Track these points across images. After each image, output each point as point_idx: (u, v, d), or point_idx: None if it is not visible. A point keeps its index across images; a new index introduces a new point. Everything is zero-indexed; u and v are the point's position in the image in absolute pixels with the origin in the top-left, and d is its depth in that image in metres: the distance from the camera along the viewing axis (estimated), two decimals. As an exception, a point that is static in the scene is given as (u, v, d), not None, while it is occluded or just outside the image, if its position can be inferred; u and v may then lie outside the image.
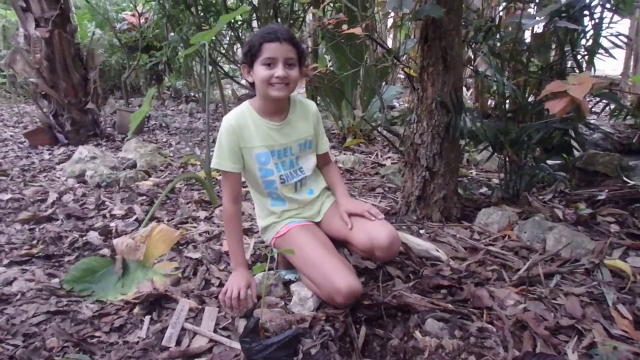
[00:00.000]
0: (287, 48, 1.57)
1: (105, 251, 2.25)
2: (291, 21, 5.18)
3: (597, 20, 2.39)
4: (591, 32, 2.41)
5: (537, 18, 2.38)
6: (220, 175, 3.56)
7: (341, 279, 1.53)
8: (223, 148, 1.69)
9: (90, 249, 2.32)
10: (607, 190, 2.75)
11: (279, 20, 5.07)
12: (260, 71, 1.60)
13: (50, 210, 2.80)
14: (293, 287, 1.78)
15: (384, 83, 5.23)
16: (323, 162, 1.94)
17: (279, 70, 1.57)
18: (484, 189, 3.06)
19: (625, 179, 2.87)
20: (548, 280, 1.86)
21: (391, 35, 7.73)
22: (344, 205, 1.79)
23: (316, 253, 1.64)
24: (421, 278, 1.89)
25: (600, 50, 2.45)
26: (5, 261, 2.14)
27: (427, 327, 1.57)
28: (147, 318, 1.68)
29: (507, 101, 2.69)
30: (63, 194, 3.15)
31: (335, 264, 1.59)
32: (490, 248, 2.16)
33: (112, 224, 2.57)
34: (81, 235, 2.46)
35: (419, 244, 2.10)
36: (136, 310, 1.73)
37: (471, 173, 3.53)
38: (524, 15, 2.36)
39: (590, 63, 2.52)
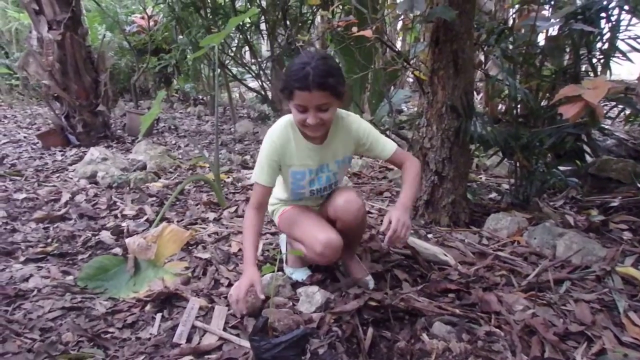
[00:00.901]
0: (318, 96, 1.50)
1: (117, 250, 2.29)
2: (299, 24, 5.19)
3: (614, 23, 2.35)
4: (608, 35, 2.37)
5: (552, 20, 2.34)
6: (228, 177, 3.60)
7: (322, 232, 1.68)
8: (263, 163, 1.70)
9: (102, 247, 2.36)
10: (620, 197, 2.71)
11: (288, 22, 5.06)
12: (294, 112, 1.59)
13: (63, 210, 2.85)
14: (300, 288, 1.80)
15: (392, 87, 5.22)
16: (398, 162, 1.80)
17: (310, 118, 1.55)
18: (493, 194, 3.04)
19: (639, 185, 2.84)
20: (558, 287, 1.85)
21: (400, 39, 7.73)
22: (393, 212, 1.63)
23: (306, 220, 1.78)
24: (429, 282, 1.89)
25: (618, 54, 2.40)
26: (22, 258, 2.20)
27: (434, 330, 1.57)
28: (158, 315, 1.72)
29: (519, 106, 2.67)
30: (76, 194, 3.20)
31: (321, 226, 1.73)
32: (499, 253, 2.15)
33: (124, 224, 2.61)
34: (94, 234, 2.50)
35: (427, 248, 2.10)
36: (148, 307, 1.77)
37: (480, 178, 3.51)
38: (538, 17, 2.33)
39: (606, 66, 2.48)
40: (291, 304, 1.75)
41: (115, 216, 2.80)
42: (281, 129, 1.71)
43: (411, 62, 2.92)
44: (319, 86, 1.48)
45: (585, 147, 2.80)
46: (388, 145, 1.78)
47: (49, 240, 2.43)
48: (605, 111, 2.25)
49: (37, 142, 4.98)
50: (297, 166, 1.73)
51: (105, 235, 2.47)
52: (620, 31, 2.40)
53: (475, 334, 1.55)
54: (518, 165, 2.61)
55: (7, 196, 3.09)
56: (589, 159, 3.04)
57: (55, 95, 4.88)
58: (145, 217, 2.74)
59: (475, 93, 6.78)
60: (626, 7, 2.36)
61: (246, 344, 1.51)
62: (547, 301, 1.74)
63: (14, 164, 4.08)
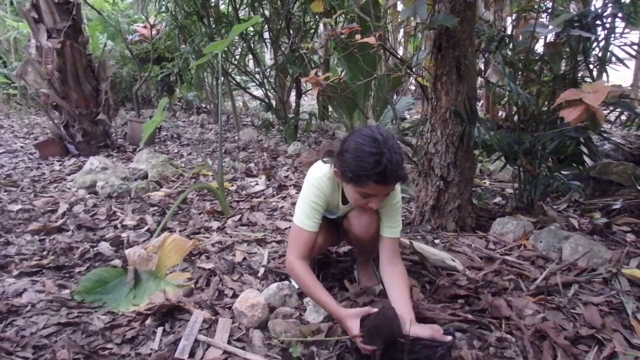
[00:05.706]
0: (392, 187, 1.49)
1: (117, 262, 2.22)
2: (303, 32, 5.19)
3: (607, 30, 2.39)
4: (603, 42, 2.41)
5: (551, 27, 2.38)
6: (232, 185, 3.57)
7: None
8: (309, 209, 1.66)
9: (101, 259, 2.28)
10: (621, 200, 2.73)
11: (291, 31, 5.05)
12: (353, 195, 1.53)
13: (60, 221, 2.77)
14: (307, 297, 1.76)
15: (395, 94, 5.24)
16: (388, 254, 1.69)
17: (375, 204, 1.52)
18: (497, 199, 3.04)
19: (639, 188, 2.84)
20: (566, 290, 1.84)
21: (401, 47, 7.77)
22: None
23: None
24: (438, 288, 1.87)
25: (614, 60, 2.44)
26: (15, 272, 2.10)
27: (445, 338, 1.54)
28: (159, 329, 1.65)
29: (521, 111, 2.68)
30: (74, 204, 3.12)
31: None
32: (506, 258, 2.14)
33: (124, 235, 2.55)
34: (92, 246, 2.43)
35: (435, 253, 2.08)
36: (148, 321, 1.71)
37: (484, 183, 3.51)
38: (537, 24, 2.36)
39: (602, 72, 2.51)
40: (298, 313, 1.72)
41: (115, 227, 2.73)
42: (327, 181, 1.67)
43: (414, 69, 2.92)
44: (396, 180, 1.46)
45: (585, 150, 2.83)
46: (396, 229, 1.72)
47: (45, 252, 2.34)
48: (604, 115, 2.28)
49: (35, 152, 4.92)
50: (332, 207, 1.78)
51: (104, 247, 2.39)
52: (617, 38, 2.45)
53: (487, 340, 1.53)
54: (521, 169, 2.62)
55: (1, 207, 2.99)
56: (588, 162, 3.07)
57: (54, 104, 4.84)
58: (146, 227, 2.68)
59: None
60: (619, 15, 2.41)
61: (252, 357, 1.48)
62: (557, 305, 1.72)
63: (9, 175, 3.99)
